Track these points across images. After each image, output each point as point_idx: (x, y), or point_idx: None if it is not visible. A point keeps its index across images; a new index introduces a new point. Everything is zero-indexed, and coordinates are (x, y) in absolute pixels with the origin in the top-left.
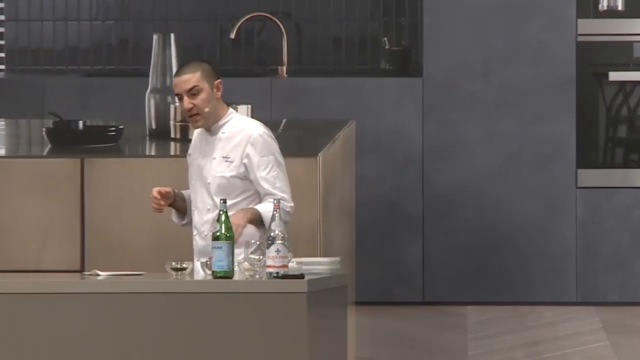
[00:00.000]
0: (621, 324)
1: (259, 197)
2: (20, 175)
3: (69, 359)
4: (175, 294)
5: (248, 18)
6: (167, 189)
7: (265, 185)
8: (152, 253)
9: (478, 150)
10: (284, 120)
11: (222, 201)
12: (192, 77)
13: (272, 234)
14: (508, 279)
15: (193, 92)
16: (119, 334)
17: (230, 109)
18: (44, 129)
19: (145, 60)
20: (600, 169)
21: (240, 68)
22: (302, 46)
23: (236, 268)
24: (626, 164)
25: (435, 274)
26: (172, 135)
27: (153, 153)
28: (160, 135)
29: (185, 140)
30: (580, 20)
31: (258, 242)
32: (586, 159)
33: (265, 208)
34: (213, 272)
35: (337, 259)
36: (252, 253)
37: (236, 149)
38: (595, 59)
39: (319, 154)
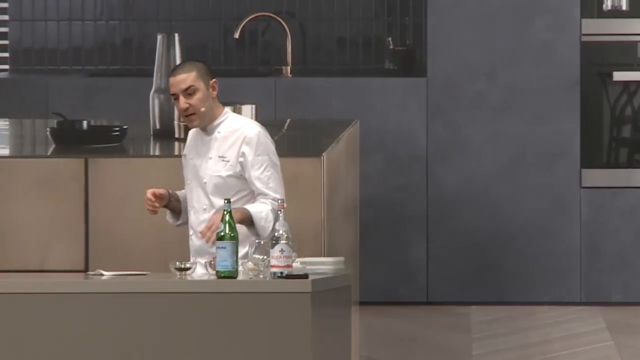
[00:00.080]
0: (625, 324)
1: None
2: (24, 175)
3: (73, 359)
4: (179, 294)
5: (252, 18)
6: (161, 190)
7: (259, 185)
8: (156, 253)
9: (482, 151)
10: (288, 120)
11: (226, 201)
12: (187, 77)
13: (276, 233)
14: (512, 278)
15: (189, 91)
16: (123, 333)
17: (226, 109)
18: (48, 129)
19: (149, 60)
20: (604, 169)
21: (245, 68)
22: (306, 46)
23: (240, 268)
24: (630, 164)
25: (439, 273)
26: (176, 135)
27: (157, 153)
28: (165, 135)
29: None
30: (584, 20)
31: (262, 242)
32: (590, 159)
33: (257, 208)
34: (217, 272)
35: (341, 258)
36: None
37: (232, 148)
38: (599, 59)
39: (323, 154)
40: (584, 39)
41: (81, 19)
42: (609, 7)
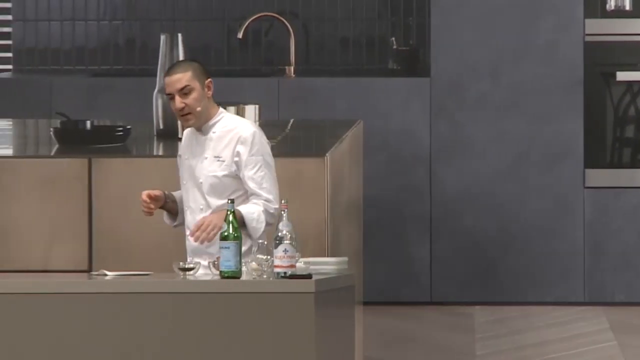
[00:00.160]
0: (629, 324)
1: None
2: (27, 175)
3: (76, 359)
4: (183, 294)
5: (255, 18)
6: (157, 191)
7: (251, 185)
8: (160, 253)
9: (486, 151)
10: (292, 120)
11: (229, 201)
12: (183, 77)
13: (279, 233)
14: (516, 278)
15: (185, 91)
16: (126, 334)
17: (221, 109)
18: (51, 129)
19: (152, 60)
20: (607, 169)
21: (248, 68)
22: (309, 46)
23: (244, 268)
24: (634, 164)
25: (442, 273)
26: (180, 135)
27: (160, 153)
28: (168, 135)
29: None
30: (587, 20)
31: (265, 242)
32: (594, 159)
33: (248, 209)
34: (221, 272)
35: (345, 259)
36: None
37: (227, 148)
38: (602, 59)
39: (327, 154)
40: (588, 39)
41: (84, 19)
42: (613, 7)
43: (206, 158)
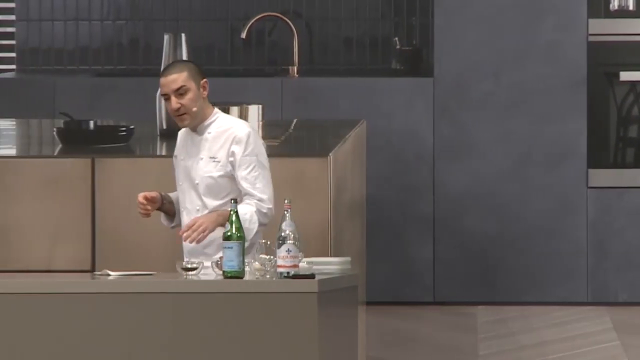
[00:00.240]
0: (632, 324)
1: None
2: (31, 175)
3: (79, 359)
4: (186, 294)
5: (259, 18)
6: (153, 193)
7: (245, 185)
8: (163, 253)
9: (489, 151)
10: (295, 120)
11: (232, 201)
12: (179, 77)
13: (282, 233)
14: (519, 278)
15: (180, 91)
16: (129, 334)
17: (216, 109)
18: (54, 129)
19: (156, 60)
20: (611, 168)
21: (251, 68)
22: (313, 46)
23: (247, 268)
24: (637, 164)
25: (445, 273)
26: None
27: (164, 153)
28: (171, 135)
29: None
30: (591, 20)
31: (269, 242)
32: (597, 159)
33: (241, 210)
34: (224, 272)
35: (348, 258)
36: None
37: (223, 148)
38: (606, 59)
39: (330, 154)
40: (591, 39)
41: (88, 18)
42: (616, 7)
43: (202, 159)
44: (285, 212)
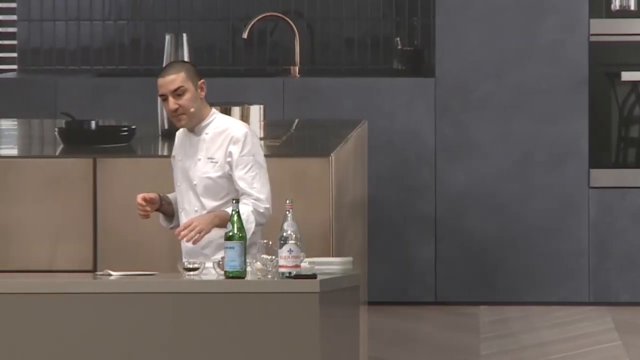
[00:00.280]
0: (634, 324)
1: None
2: (32, 175)
3: (81, 359)
4: (188, 294)
5: (260, 18)
6: (152, 194)
7: (242, 184)
8: (165, 253)
9: (490, 151)
10: (297, 120)
11: (234, 201)
12: (176, 78)
13: (284, 233)
14: (520, 279)
15: (178, 92)
16: (131, 334)
17: (213, 109)
18: (56, 129)
19: (157, 60)
20: (612, 169)
21: (253, 68)
22: (314, 46)
23: (248, 268)
24: (639, 164)
25: (447, 274)
26: None
27: (165, 153)
28: (173, 135)
29: None
30: (592, 20)
31: (270, 242)
32: (599, 159)
33: (240, 211)
34: (225, 272)
35: (350, 259)
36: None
37: (220, 149)
38: (607, 59)
39: (332, 154)
40: (592, 39)
41: (89, 19)
42: (617, 7)
43: (199, 159)
44: (287, 212)
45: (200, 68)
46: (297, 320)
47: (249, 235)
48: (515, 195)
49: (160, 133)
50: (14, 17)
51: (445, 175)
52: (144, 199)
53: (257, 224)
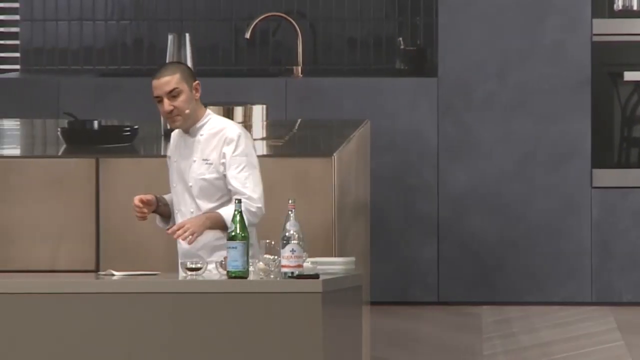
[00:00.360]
0: (636, 324)
1: None
2: (35, 175)
3: (83, 359)
4: (190, 294)
5: (263, 18)
6: (149, 196)
7: (235, 183)
8: (167, 253)
9: (493, 150)
10: (299, 120)
11: (236, 201)
12: (171, 79)
13: (287, 233)
14: (523, 279)
15: (173, 94)
16: (133, 334)
17: (208, 110)
18: (59, 129)
19: (160, 60)
20: (615, 168)
21: (255, 68)
22: (317, 46)
23: (251, 268)
24: None
25: (450, 274)
26: None
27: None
28: None
29: None
30: (595, 20)
31: (272, 242)
32: (601, 159)
33: (228, 212)
34: (228, 272)
35: (352, 259)
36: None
37: (215, 150)
38: (610, 59)
39: (334, 154)
40: (595, 39)
41: (92, 18)
42: (620, 7)
43: (194, 161)
44: (290, 212)
45: (203, 68)
46: (299, 320)
47: None
48: (518, 195)
49: (162, 133)
50: (17, 17)
51: (447, 175)
52: (141, 201)
53: (250, 224)
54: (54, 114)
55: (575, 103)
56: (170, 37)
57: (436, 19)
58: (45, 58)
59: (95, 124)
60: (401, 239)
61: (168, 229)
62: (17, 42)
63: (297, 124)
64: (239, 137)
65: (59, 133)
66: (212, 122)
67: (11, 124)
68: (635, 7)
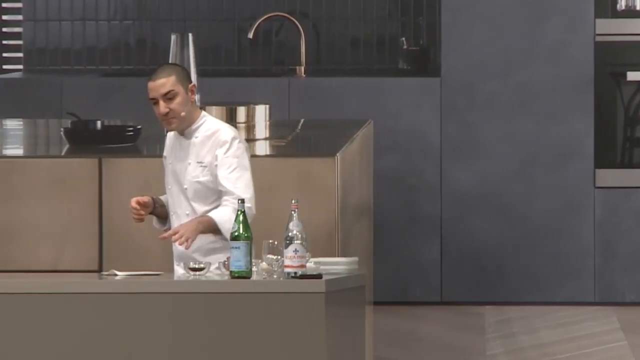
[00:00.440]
0: (639, 324)
1: None
2: (38, 175)
3: (86, 359)
4: (193, 294)
5: (266, 18)
6: (145, 198)
7: (225, 183)
8: (170, 253)
9: (496, 150)
10: (302, 120)
11: (240, 201)
12: (167, 82)
13: (290, 233)
14: (525, 278)
15: (169, 96)
16: (136, 334)
17: (203, 112)
18: (62, 129)
19: (163, 60)
20: (618, 168)
21: (258, 68)
22: (320, 46)
23: (254, 268)
24: None
25: (453, 273)
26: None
27: None
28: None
29: None
30: (598, 20)
31: (276, 243)
32: (604, 159)
33: (218, 213)
34: (231, 272)
35: (355, 259)
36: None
37: (209, 153)
38: (613, 59)
39: (337, 154)
40: (598, 39)
41: (95, 19)
42: (623, 7)
43: (189, 163)
44: (293, 212)
45: (206, 68)
46: (302, 321)
47: (228, 235)
48: (521, 195)
49: (165, 133)
50: (20, 17)
51: (450, 175)
52: (138, 203)
53: None
54: (57, 114)
55: (578, 103)
56: (173, 37)
57: (439, 18)
58: (48, 58)
59: (98, 124)
60: (403, 239)
61: (165, 230)
62: (20, 42)
63: (300, 124)
64: (232, 139)
65: (61, 133)
66: (207, 124)
67: (14, 124)
68: (638, 7)
